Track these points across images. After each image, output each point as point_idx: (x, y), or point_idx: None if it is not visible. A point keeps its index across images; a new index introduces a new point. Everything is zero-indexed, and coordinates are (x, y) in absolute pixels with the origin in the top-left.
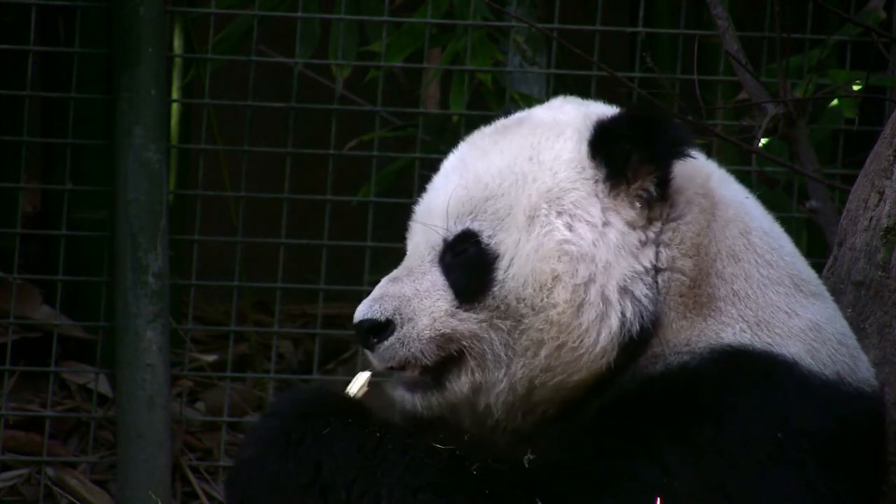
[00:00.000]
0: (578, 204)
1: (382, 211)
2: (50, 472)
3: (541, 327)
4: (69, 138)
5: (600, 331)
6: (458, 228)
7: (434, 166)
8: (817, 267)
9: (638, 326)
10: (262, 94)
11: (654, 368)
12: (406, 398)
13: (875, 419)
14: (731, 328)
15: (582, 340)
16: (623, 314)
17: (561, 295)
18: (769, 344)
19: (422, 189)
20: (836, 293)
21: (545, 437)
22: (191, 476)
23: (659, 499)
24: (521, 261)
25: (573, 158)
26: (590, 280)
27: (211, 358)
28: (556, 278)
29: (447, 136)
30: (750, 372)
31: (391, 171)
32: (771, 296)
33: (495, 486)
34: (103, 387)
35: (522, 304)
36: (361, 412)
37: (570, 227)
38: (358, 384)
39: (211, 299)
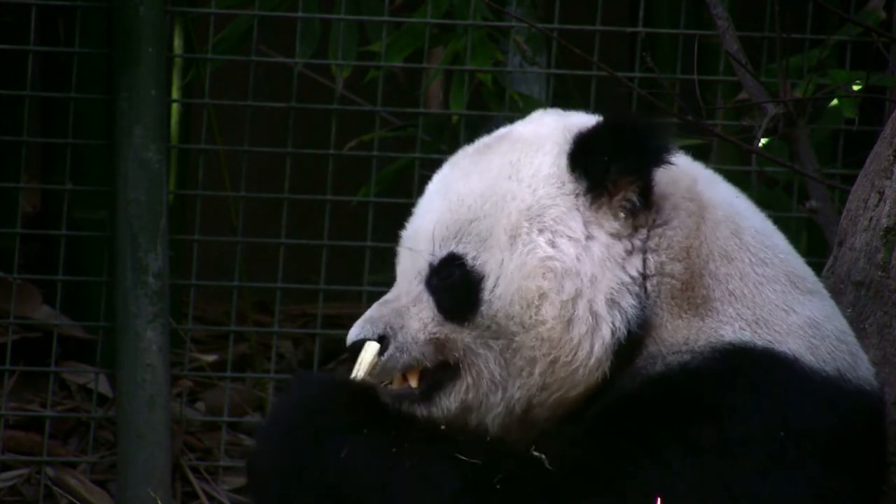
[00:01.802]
0: (559, 220)
1: (382, 211)
2: (50, 472)
3: (532, 344)
4: (69, 138)
5: (593, 343)
6: (443, 252)
7: (434, 166)
8: (817, 267)
9: (625, 331)
10: (262, 94)
11: (654, 369)
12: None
13: (876, 418)
14: (730, 326)
15: (575, 354)
16: (613, 324)
17: (549, 311)
18: (769, 341)
19: (422, 189)
20: (836, 293)
21: (547, 441)
22: (191, 476)
23: (659, 499)
24: (506, 280)
25: (552, 174)
26: (577, 295)
27: (211, 358)
28: (542, 296)
29: (447, 136)
30: (751, 370)
31: (391, 171)
32: (768, 294)
33: (519, 499)
34: (103, 387)
35: (512, 323)
36: (376, 413)
37: (552, 244)
38: (365, 363)
39: (211, 299)
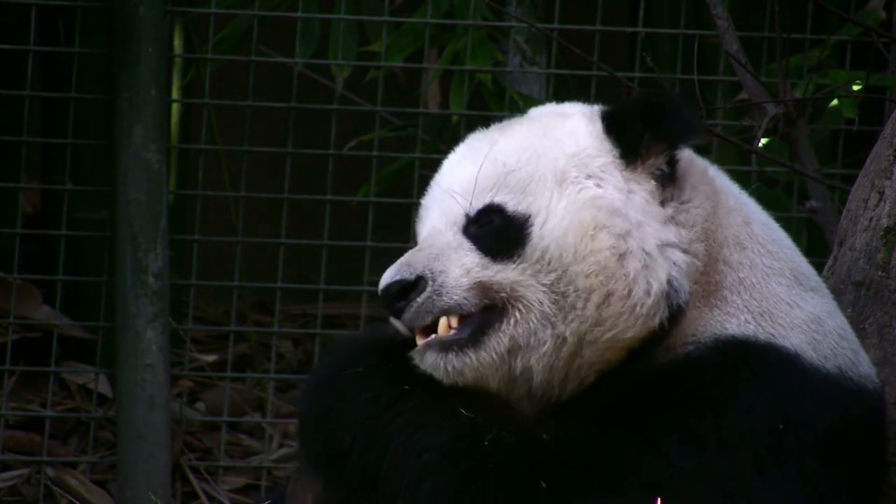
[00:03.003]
0: (605, 169)
1: (382, 211)
2: (50, 472)
3: (589, 271)
4: (69, 138)
5: (649, 280)
6: (480, 203)
7: (434, 166)
8: (817, 267)
9: (685, 298)
10: (262, 94)
11: (664, 359)
12: (438, 363)
13: (876, 415)
14: (735, 319)
15: (631, 290)
16: (668, 271)
17: (606, 240)
18: (772, 335)
19: (422, 189)
20: (836, 293)
21: (555, 424)
22: (191, 476)
23: (659, 499)
24: (557, 215)
25: (591, 132)
26: (627, 233)
27: (211, 358)
28: (598, 225)
29: (447, 136)
30: (752, 363)
31: (391, 171)
32: (774, 286)
33: (502, 460)
34: (103, 387)
35: (566, 253)
36: (400, 362)
37: (599, 187)
38: None
39: (211, 299)
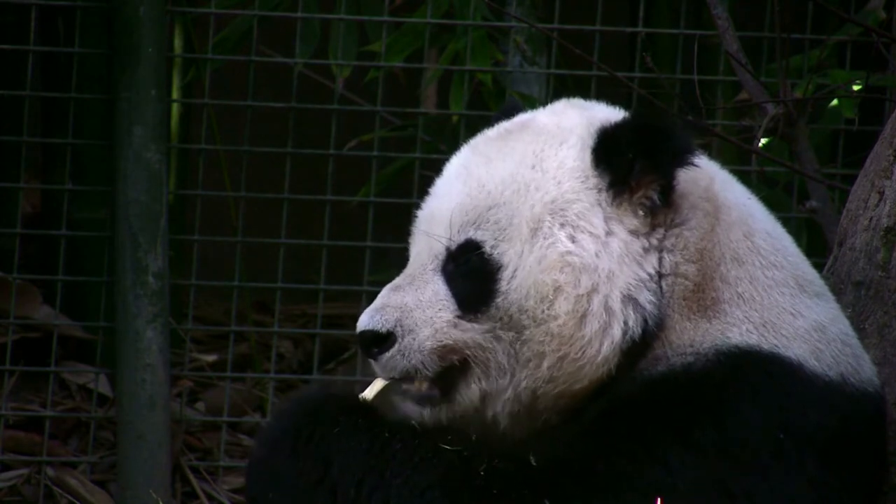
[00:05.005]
0: (581, 215)
1: (382, 211)
2: (50, 472)
3: (542, 339)
4: (69, 138)
5: (603, 341)
6: (462, 238)
7: (434, 166)
8: (817, 267)
9: (640, 330)
10: (262, 94)
11: (656, 370)
12: (415, 412)
13: (877, 419)
14: (737, 328)
15: (584, 352)
16: (626, 323)
17: (562, 306)
18: (775, 345)
19: (422, 189)
20: (836, 293)
21: (549, 439)
22: (191, 476)
23: (660, 499)
24: (524, 272)
25: (577, 167)
26: (592, 290)
27: (211, 358)
28: (557, 289)
29: (447, 136)
30: (755, 374)
31: (391, 171)
32: (776, 297)
33: (502, 486)
34: (103, 387)
35: (525, 316)
36: (369, 412)
37: (572, 239)
38: (374, 389)
39: (211, 299)
